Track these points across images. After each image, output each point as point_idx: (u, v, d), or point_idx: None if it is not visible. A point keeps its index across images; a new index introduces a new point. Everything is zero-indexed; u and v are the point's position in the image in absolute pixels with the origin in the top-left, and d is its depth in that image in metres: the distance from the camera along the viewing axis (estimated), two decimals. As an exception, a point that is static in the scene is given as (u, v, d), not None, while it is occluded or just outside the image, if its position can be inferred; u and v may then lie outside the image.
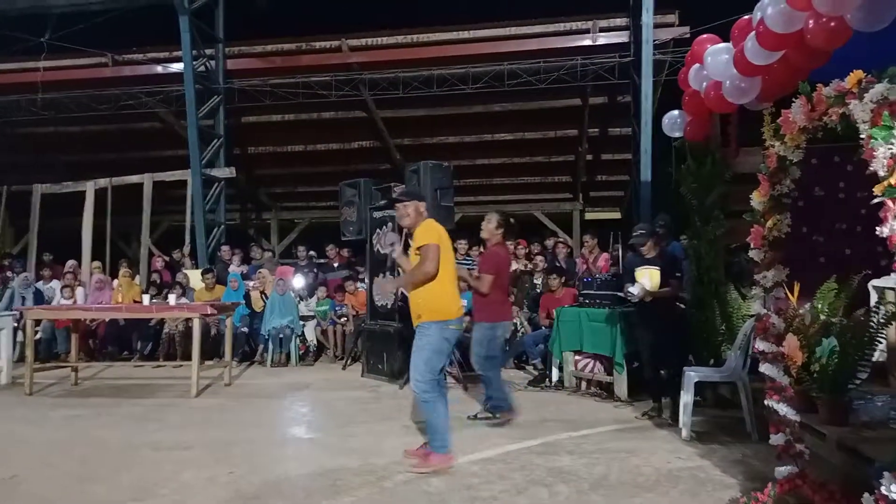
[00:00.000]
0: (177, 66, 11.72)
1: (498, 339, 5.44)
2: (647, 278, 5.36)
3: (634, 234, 5.57)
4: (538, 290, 8.85)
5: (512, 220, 5.97)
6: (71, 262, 11.14)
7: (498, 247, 5.62)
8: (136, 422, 5.72)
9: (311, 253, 11.16)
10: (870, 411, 3.81)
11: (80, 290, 10.30)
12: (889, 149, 2.32)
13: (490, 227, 5.56)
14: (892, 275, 2.32)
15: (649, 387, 5.67)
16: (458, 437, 4.87)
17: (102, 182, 12.18)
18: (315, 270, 10.58)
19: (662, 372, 5.35)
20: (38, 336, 9.01)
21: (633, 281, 5.42)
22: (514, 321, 8.02)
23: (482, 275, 5.41)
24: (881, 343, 3.77)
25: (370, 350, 7.96)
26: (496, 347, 5.42)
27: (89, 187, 12.22)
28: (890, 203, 2.31)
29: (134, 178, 12.19)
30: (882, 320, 3.58)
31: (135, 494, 3.77)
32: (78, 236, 11.97)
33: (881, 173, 2.35)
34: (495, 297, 5.41)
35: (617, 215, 15.62)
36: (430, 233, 4.20)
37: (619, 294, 6.50)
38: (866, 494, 2.44)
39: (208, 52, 11.99)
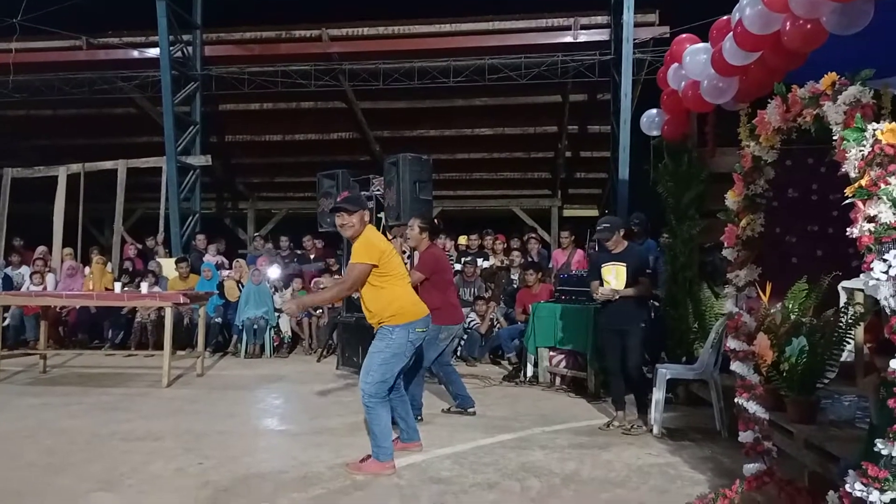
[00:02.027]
0: (153, 52, 11.53)
1: (440, 341, 5.26)
2: (614, 276, 5.08)
3: (598, 228, 5.23)
4: (515, 286, 8.88)
5: (436, 220, 5.75)
6: (41, 249, 10.95)
7: (432, 248, 5.44)
8: (105, 411, 5.63)
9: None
10: (837, 410, 3.88)
11: (50, 277, 10.12)
12: (860, 150, 2.35)
13: (414, 233, 5.35)
14: (862, 276, 2.34)
15: (612, 392, 5.31)
16: (432, 430, 4.90)
17: (75, 167, 11.94)
18: (295, 261, 10.52)
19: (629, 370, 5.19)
20: (5, 322, 8.82)
21: (599, 277, 5.17)
22: (464, 325, 7.87)
23: (413, 270, 5.23)
24: (849, 344, 3.84)
25: (346, 343, 7.92)
26: (437, 349, 5.26)
27: (61, 172, 11.98)
28: (860, 204, 2.34)
29: (107, 164, 11.96)
30: (850, 321, 3.64)
31: (102, 485, 3.72)
32: (49, 222, 11.75)
33: (852, 175, 2.38)
34: (438, 300, 5.10)
35: (595, 213, 15.71)
36: (370, 250, 3.92)
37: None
38: (831, 492, 2.48)
39: (185, 37, 11.81)
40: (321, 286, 4.52)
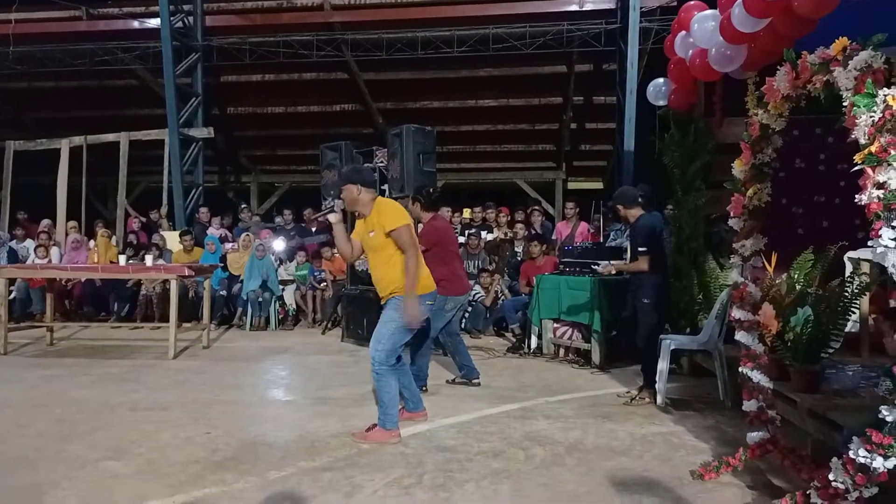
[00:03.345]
0: (154, 22, 11.41)
1: (447, 311, 5.27)
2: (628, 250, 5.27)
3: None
4: (519, 258, 8.88)
5: (431, 189, 5.68)
6: (45, 222, 10.97)
7: (434, 220, 5.39)
8: (113, 382, 5.69)
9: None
10: (841, 380, 3.89)
11: (54, 250, 10.16)
12: (871, 116, 2.32)
13: (413, 207, 5.31)
14: (870, 243, 2.33)
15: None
16: (437, 400, 4.94)
17: (77, 140, 11.91)
18: (295, 234, 10.54)
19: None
20: (12, 296, 8.89)
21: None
22: (471, 295, 7.97)
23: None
24: (854, 314, 3.84)
25: (350, 315, 7.96)
26: (444, 319, 5.26)
27: (64, 145, 11.95)
28: (870, 171, 2.32)
29: (110, 137, 11.93)
30: (856, 291, 3.63)
31: (111, 453, 3.76)
32: (53, 195, 11.75)
33: (862, 141, 2.35)
34: (443, 272, 5.07)
35: (599, 185, 15.64)
36: (397, 213, 3.97)
37: (599, 262, 6.55)
38: (834, 459, 2.49)
39: (186, 7, 11.68)
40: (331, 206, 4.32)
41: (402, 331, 4.00)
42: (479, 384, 5.51)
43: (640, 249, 4.97)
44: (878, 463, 2.28)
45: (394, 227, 3.94)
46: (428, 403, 4.56)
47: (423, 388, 5.11)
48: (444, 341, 5.63)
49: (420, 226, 5.61)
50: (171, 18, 11.08)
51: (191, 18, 11.80)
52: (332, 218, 4.17)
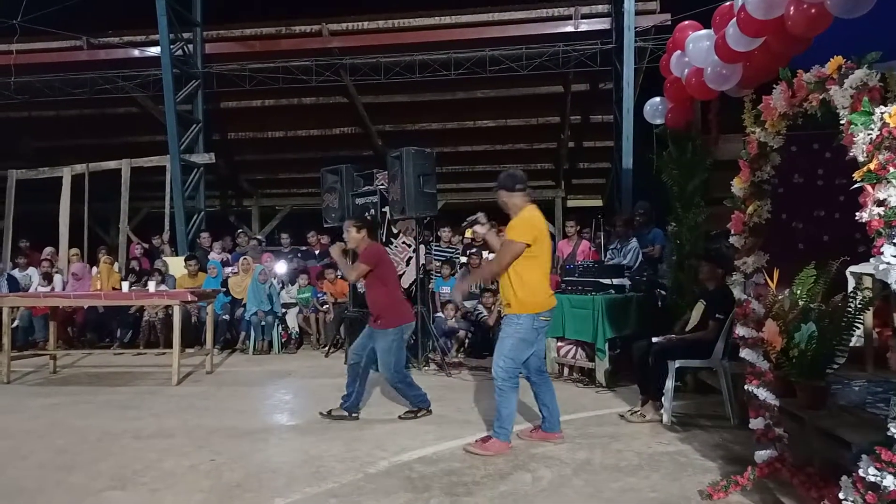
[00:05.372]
0: (154, 50, 11.55)
1: (406, 341, 5.13)
2: (696, 311, 5.11)
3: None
4: (521, 277, 8.86)
5: (367, 215, 5.62)
6: (48, 250, 10.98)
7: (372, 245, 5.22)
8: (116, 410, 5.66)
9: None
10: (847, 395, 3.88)
11: (57, 278, 10.16)
12: (868, 134, 2.33)
13: (352, 234, 5.15)
14: (872, 260, 2.34)
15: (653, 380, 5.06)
16: (442, 423, 4.90)
17: (79, 168, 11.98)
18: (299, 256, 10.55)
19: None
20: (15, 324, 8.88)
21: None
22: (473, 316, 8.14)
23: (358, 262, 5.05)
24: (858, 328, 3.83)
25: (353, 337, 7.91)
26: (403, 352, 5.10)
27: (66, 173, 12.02)
28: (869, 188, 2.33)
29: (111, 164, 12.00)
30: (859, 306, 3.63)
31: (115, 483, 3.74)
32: (55, 223, 11.79)
33: (861, 158, 2.37)
34: (392, 296, 5.07)
35: (599, 203, 15.69)
36: (523, 229, 4.05)
37: (601, 281, 6.56)
38: (844, 477, 2.48)
39: (186, 35, 11.81)
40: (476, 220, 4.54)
41: (520, 347, 4.15)
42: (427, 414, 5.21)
43: (718, 316, 4.86)
44: (889, 481, 2.27)
45: (507, 237, 4.11)
46: (431, 426, 4.55)
47: (430, 409, 5.09)
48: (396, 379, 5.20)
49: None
50: (171, 47, 11.20)
51: (191, 46, 11.94)
52: (479, 229, 4.48)
